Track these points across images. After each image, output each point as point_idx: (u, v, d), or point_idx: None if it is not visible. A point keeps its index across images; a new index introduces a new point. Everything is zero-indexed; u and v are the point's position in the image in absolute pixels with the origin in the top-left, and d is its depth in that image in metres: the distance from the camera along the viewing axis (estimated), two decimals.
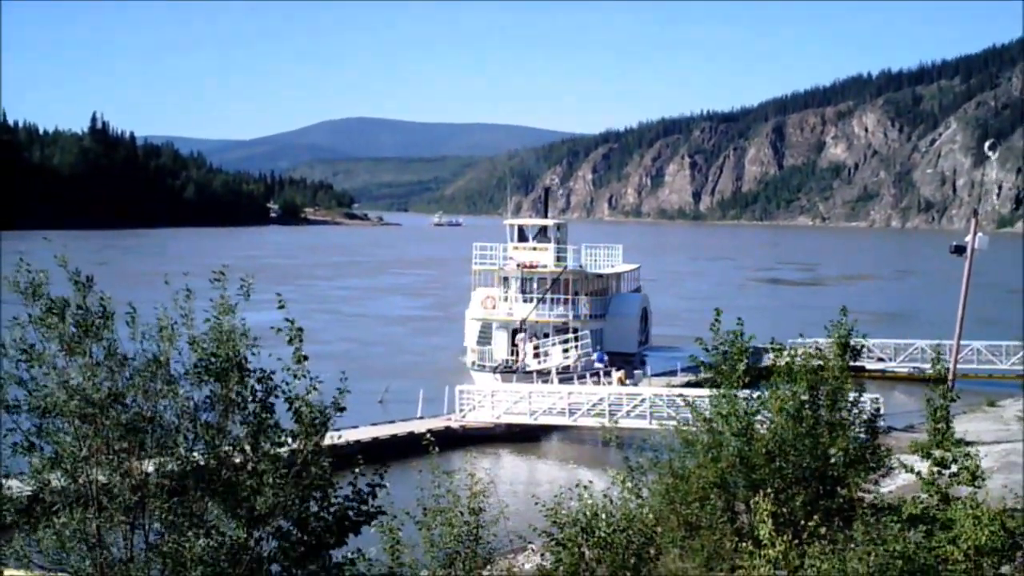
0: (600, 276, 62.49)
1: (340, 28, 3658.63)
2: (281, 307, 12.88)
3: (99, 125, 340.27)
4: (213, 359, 11.94)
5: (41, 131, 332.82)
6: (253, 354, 12.36)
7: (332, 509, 12.50)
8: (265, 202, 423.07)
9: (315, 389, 12.47)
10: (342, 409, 12.74)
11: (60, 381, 11.38)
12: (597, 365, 54.85)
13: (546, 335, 57.34)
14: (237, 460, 12.16)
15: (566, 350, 55.67)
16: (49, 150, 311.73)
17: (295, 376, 12.38)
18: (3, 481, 11.76)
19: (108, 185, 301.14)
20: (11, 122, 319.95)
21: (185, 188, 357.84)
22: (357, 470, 13.00)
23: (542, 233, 61.31)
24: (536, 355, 56.14)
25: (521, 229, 61.86)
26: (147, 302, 12.28)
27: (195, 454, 11.93)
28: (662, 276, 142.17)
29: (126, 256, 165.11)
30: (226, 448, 12.07)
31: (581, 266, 61.37)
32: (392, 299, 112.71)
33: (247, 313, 12.63)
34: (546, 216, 67.72)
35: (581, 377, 53.01)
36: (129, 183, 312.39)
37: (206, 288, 12.50)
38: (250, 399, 12.10)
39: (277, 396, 12.25)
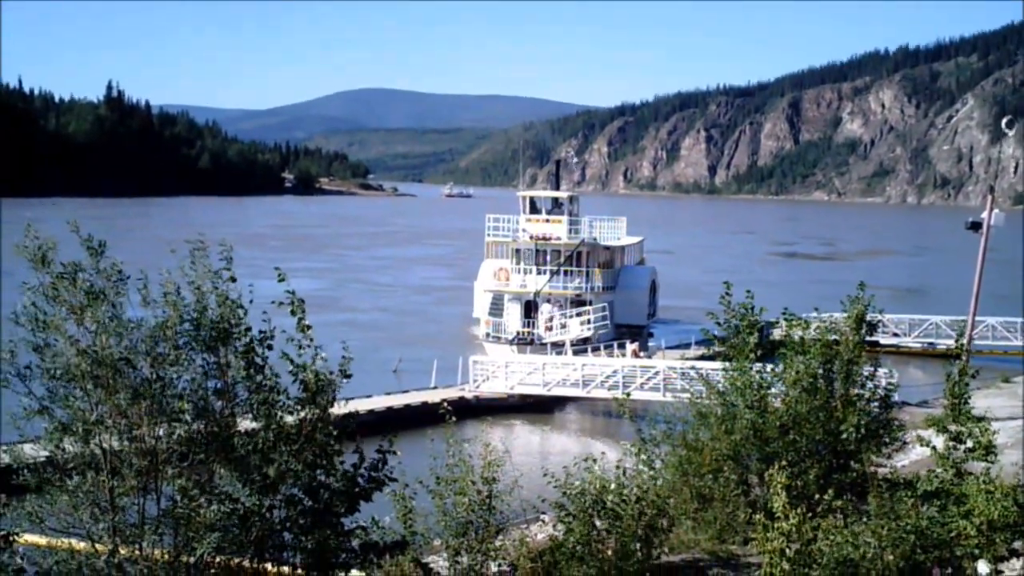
0: (609, 248, 62.38)
1: None
2: (281, 280, 12.87)
3: (114, 93, 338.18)
4: (201, 326, 12.02)
5: (57, 99, 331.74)
6: (265, 322, 12.42)
7: (339, 477, 12.53)
8: (280, 172, 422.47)
9: (322, 359, 12.49)
10: (348, 376, 12.75)
11: (71, 341, 11.37)
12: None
13: (560, 307, 57.32)
14: (245, 427, 12.20)
15: (583, 322, 55.59)
16: (65, 118, 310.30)
17: (299, 346, 12.40)
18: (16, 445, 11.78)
19: (123, 153, 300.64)
20: (27, 90, 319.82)
21: (200, 157, 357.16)
22: (357, 438, 12.99)
23: (555, 205, 61.18)
24: (550, 327, 56.05)
25: (533, 201, 61.73)
26: (175, 269, 12.31)
27: (202, 421, 11.94)
28: (683, 249, 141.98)
29: (157, 223, 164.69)
30: (227, 414, 12.13)
31: (595, 238, 61.27)
32: (421, 269, 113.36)
33: (279, 283, 12.72)
34: (558, 188, 67.41)
35: (595, 349, 52.97)
36: (144, 151, 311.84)
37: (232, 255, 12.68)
38: (261, 364, 12.16)
39: (267, 353, 12.31)
